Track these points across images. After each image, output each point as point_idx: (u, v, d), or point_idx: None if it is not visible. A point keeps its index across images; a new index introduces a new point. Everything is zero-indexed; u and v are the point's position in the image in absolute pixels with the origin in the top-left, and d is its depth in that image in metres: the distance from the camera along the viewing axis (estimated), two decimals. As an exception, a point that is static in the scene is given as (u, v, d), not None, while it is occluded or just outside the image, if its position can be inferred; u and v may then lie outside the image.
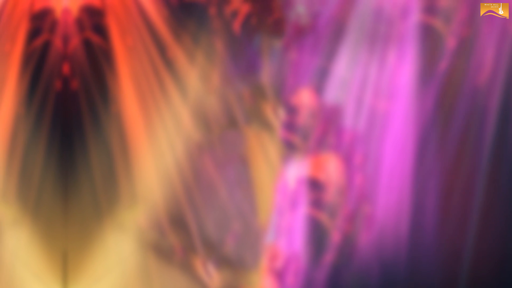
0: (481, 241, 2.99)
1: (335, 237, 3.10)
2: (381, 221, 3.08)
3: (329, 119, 3.16)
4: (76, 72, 3.38)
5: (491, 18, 3.05)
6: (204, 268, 3.28)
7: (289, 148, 3.20)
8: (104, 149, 3.38)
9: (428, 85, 3.08)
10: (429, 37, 3.09)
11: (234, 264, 3.27)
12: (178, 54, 3.36)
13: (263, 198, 3.30)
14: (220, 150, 3.34)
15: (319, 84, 3.18)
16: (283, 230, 3.17)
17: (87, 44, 3.40)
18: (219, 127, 3.33)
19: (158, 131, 3.36)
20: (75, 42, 3.39)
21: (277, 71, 3.30)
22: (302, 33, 3.24)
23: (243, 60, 3.33)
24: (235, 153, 3.32)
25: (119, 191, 3.37)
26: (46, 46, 3.39)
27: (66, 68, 3.38)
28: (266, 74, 3.32)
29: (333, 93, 3.17)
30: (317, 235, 3.11)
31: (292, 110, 3.19)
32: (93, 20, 3.43)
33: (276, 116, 3.29)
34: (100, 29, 3.42)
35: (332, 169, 3.12)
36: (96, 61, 3.40)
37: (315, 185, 3.11)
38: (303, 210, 3.13)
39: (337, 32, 3.17)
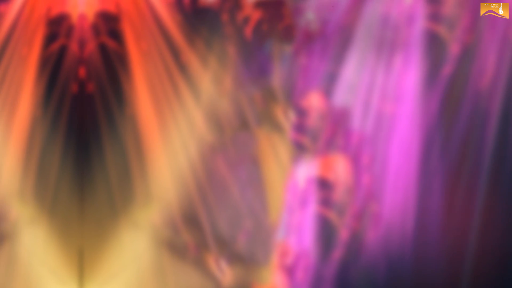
0: (483, 238, 2.96)
1: (343, 234, 3.08)
2: (388, 219, 3.04)
3: (338, 121, 3.15)
4: (92, 75, 3.40)
5: (493, 25, 3.01)
6: (217, 265, 3.30)
7: (299, 149, 3.18)
8: (119, 150, 3.41)
9: (432, 89, 3.03)
10: (433, 43, 3.04)
11: (246, 261, 3.30)
12: (191, 58, 3.39)
13: (274, 197, 3.32)
14: (232, 151, 3.37)
15: (328, 88, 3.18)
16: (293, 227, 3.15)
17: (103, 49, 3.42)
18: (231, 129, 3.36)
19: (172, 132, 3.39)
20: (91, 46, 3.42)
21: (287, 75, 3.32)
22: (311, 39, 3.24)
23: (254, 64, 3.36)
24: (247, 153, 3.35)
25: (134, 190, 3.40)
26: (63, 50, 3.42)
27: (82, 72, 3.41)
28: (277, 78, 3.35)
29: (342, 96, 3.16)
30: (326, 232, 3.09)
31: (302, 113, 3.16)
32: (109, 26, 3.46)
33: (286, 118, 3.32)
34: (116, 34, 3.45)
35: (340, 169, 3.10)
36: (112, 65, 3.43)
37: (324, 185, 3.08)
38: (312, 209, 3.10)
39: (345, 38, 3.15)
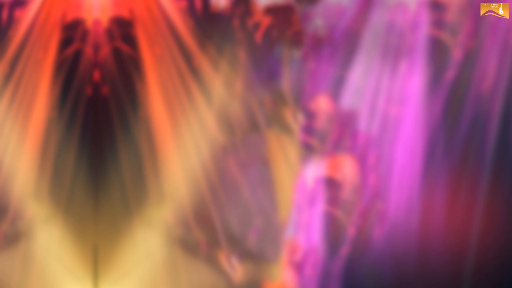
0: (484, 234, 2.97)
1: (350, 231, 3.10)
2: (393, 216, 3.06)
3: (345, 123, 3.18)
4: (106, 78, 3.41)
5: (494, 31, 3.02)
6: (228, 261, 3.32)
7: (308, 150, 3.21)
8: (132, 151, 3.42)
9: (436, 93, 3.05)
10: (437, 49, 3.06)
11: (256, 257, 3.32)
12: (203, 62, 3.41)
13: (283, 196, 3.34)
14: (243, 151, 3.38)
15: (336, 91, 3.20)
16: (302, 225, 3.17)
17: (117, 53, 3.44)
18: (242, 131, 3.38)
19: (185, 133, 3.40)
20: (105, 50, 3.43)
21: (296, 79, 3.34)
22: (319, 44, 3.27)
23: (264, 68, 3.38)
24: (257, 154, 3.37)
25: (147, 189, 3.42)
26: (78, 54, 3.43)
27: (96, 75, 3.42)
28: (286, 81, 3.37)
29: (349, 99, 3.19)
30: (333, 230, 3.11)
31: (310, 115, 3.20)
32: (123, 30, 3.47)
33: (295, 120, 3.35)
34: (129, 39, 3.46)
35: (347, 169, 3.12)
36: (125, 68, 3.44)
37: (331, 184, 3.11)
38: (320, 207, 3.12)
39: (352, 43, 3.16)
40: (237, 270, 3.32)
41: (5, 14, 3.48)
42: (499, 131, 2.99)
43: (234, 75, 3.40)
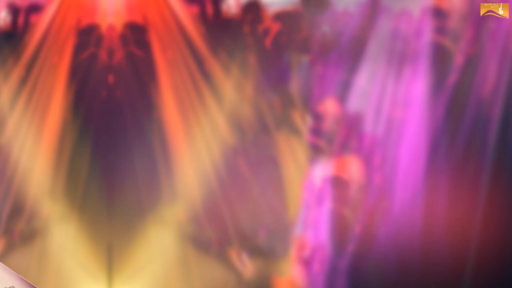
0: (485, 231, 3.03)
1: (356, 229, 3.14)
2: (397, 215, 3.11)
3: (351, 125, 3.21)
4: (120, 82, 3.39)
5: (494, 37, 3.05)
6: (239, 258, 3.31)
7: (316, 151, 3.24)
8: (146, 151, 3.40)
9: (438, 96, 3.10)
10: (439, 54, 3.11)
11: (266, 254, 3.30)
12: (214, 67, 3.39)
13: (292, 195, 3.31)
14: (253, 152, 3.36)
15: (342, 95, 3.22)
16: (310, 223, 3.21)
17: (131, 57, 3.41)
18: (252, 132, 3.36)
19: (196, 135, 3.38)
20: (119, 55, 3.40)
21: (304, 83, 3.33)
22: (327, 50, 3.28)
23: (274, 72, 3.36)
24: (267, 155, 3.35)
25: (160, 189, 3.38)
26: (92, 58, 3.40)
27: (111, 79, 3.41)
28: (295, 85, 3.34)
29: (355, 102, 3.21)
30: (340, 227, 3.15)
31: (318, 117, 3.23)
32: (136, 36, 3.44)
33: (303, 122, 3.32)
34: (143, 44, 3.42)
35: (354, 169, 3.17)
36: (139, 72, 3.41)
37: (338, 183, 3.16)
38: (328, 205, 3.17)
39: (359, 49, 3.20)
40: (248, 266, 3.33)
41: (21, 19, 3.48)
42: (499, 132, 3.06)
43: (244, 79, 3.40)
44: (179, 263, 3.34)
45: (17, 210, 3.36)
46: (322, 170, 3.23)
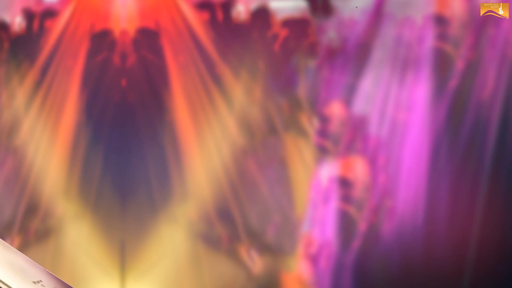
0: (485, 228, 3.06)
1: (361, 226, 3.15)
2: (401, 213, 3.11)
3: (357, 127, 3.20)
4: (133, 85, 3.41)
5: (494, 44, 3.06)
6: (248, 255, 3.32)
7: (322, 152, 3.23)
8: (158, 152, 3.41)
9: (440, 100, 3.10)
10: (441, 60, 3.11)
11: (274, 251, 3.32)
12: (224, 71, 3.41)
13: (300, 194, 3.33)
14: (262, 153, 3.38)
15: (348, 98, 3.19)
16: (317, 221, 3.20)
17: (143, 61, 3.43)
18: (261, 134, 3.38)
19: (207, 137, 3.40)
20: (132, 59, 3.41)
21: (311, 87, 3.34)
22: (333, 55, 3.29)
23: (282, 76, 3.38)
24: (275, 156, 3.37)
25: (172, 188, 3.39)
26: (106, 62, 3.43)
27: (123, 82, 3.42)
28: (302, 89, 3.36)
29: (360, 105, 3.20)
30: (346, 225, 3.16)
31: (324, 120, 3.23)
32: (149, 41, 3.46)
33: (311, 124, 3.33)
34: (155, 49, 3.44)
35: (359, 169, 3.18)
36: (151, 76, 3.43)
37: (344, 183, 3.17)
38: (334, 204, 3.18)
39: (364, 54, 3.22)
40: (257, 262, 3.34)
41: (36, 24, 3.51)
42: (498, 134, 3.11)
43: (253, 82, 3.42)
44: (190, 260, 3.35)
45: (32, 209, 3.38)
46: (329, 170, 3.23)
